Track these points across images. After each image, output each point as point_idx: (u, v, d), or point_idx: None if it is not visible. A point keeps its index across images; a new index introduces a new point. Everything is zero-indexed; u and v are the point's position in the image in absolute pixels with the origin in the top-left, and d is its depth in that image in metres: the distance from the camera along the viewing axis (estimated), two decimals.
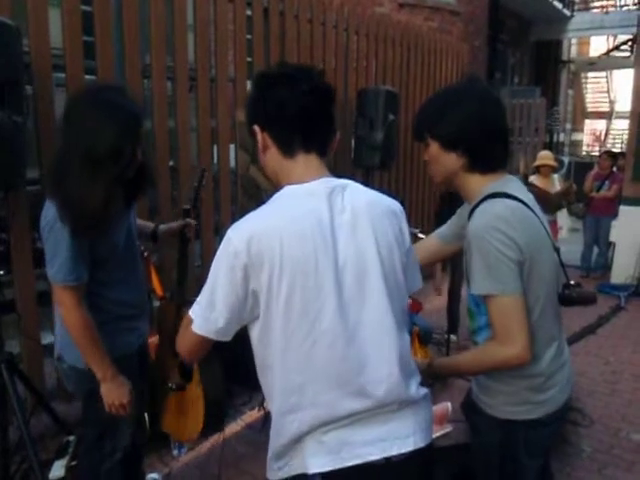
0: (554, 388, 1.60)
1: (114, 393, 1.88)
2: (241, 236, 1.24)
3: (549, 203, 5.75)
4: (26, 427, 2.43)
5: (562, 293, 1.64)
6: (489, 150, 1.56)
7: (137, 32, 3.29)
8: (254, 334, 1.34)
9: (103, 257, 1.84)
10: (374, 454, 1.28)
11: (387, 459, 1.29)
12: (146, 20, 3.35)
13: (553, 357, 1.59)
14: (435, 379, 1.74)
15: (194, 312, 1.32)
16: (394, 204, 1.41)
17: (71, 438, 2.82)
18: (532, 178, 5.85)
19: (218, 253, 1.27)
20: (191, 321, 1.32)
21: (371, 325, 1.30)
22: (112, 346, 1.90)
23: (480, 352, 1.61)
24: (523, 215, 1.51)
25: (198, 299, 1.31)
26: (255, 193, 4.21)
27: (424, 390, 1.40)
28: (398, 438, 1.31)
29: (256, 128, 1.33)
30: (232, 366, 3.70)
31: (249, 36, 4.09)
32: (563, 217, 7.06)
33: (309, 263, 1.23)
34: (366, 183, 5.26)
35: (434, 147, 1.59)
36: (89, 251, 1.78)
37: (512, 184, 1.58)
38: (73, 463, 2.72)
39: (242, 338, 3.55)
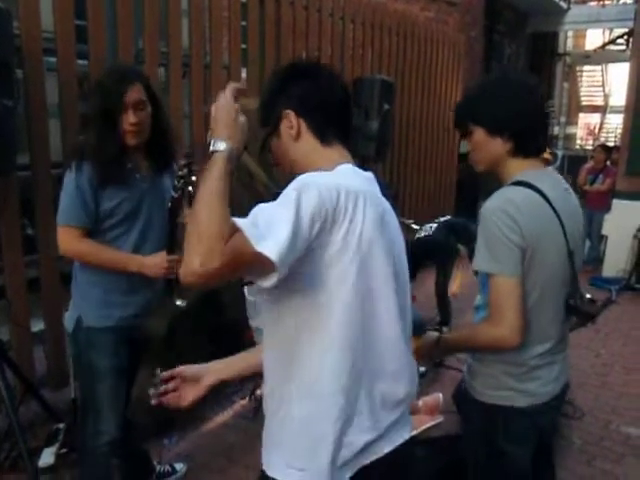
0: (536, 381, 1.62)
1: (154, 269, 2.05)
2: (326, 182, 1.15)
3: None
4: (15, 415, 2.42)
5: (567, 300, 1.65)
6: (533, 134, 1.61)
7: (130, 16, 3.24)
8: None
9: (107, 211, 2.03)
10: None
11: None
12: (139, 4, 3.30)
13: (542, 354, 1.61)
14: (441, 355, 1.78)
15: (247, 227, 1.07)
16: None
17: (61, 426, 2.82)
18: None
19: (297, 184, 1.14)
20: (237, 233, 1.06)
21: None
22: (92, 313, 2.07)
23: (474, 329, 1.66)
24: (537, 206, 1.53)
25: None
26: (248, 181, 4.18)
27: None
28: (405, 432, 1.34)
29: (289, 112, 1.32)
30: (224, 354, 3.70)
31: (244, 23, 4.05)
32: None
33: (377, 233, 1.21)
34: None
35: (479, 133, 1.62)
36: (95, 202, 2.01)
37: (545, 177, 1.62)
38: (63, 450, 2.71)
39: (234, 328, 3.51)
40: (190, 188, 1.94)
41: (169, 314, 2.03)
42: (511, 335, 1.49)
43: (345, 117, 1.40)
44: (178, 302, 2.04)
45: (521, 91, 1.62)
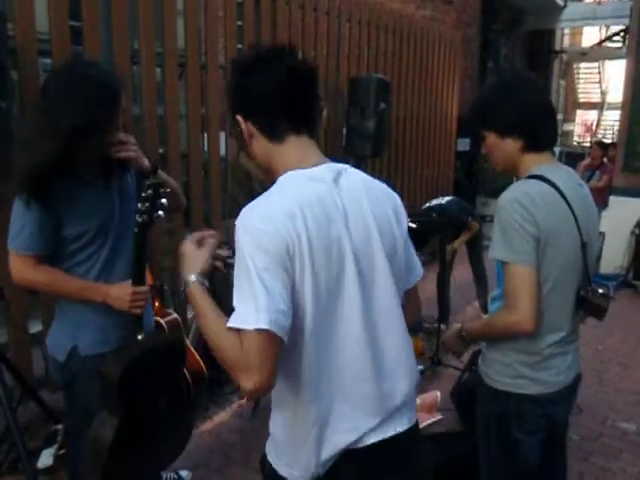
0: (550, 370, 1.69)
1: (118, 302, 1.81)
2: (260, 217, 1.18)
3: None
4: (13, 416, 2.42)
5: (578, 292, 1.71)
6: (541, 129, 1.69)
7: (126, 17, 3.24)
8: None
9: (73, 236, 1.78)
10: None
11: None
12: (134, 5, 3.30)
13: (555, 343, 1.68)
14: (465, 346, 1.86)
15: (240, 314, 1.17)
16: (386, 187, 1.40)
17: (59, 427, 2.82)
18: None
19: (240, 243, 1.19)
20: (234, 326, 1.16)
21: (383, 313, 1.31)
22: (88, 340, 1.87)
23: (491, 318, 1.78)
24: (550, 199, 1.60)
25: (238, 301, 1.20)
26: (245, 181, 4.19)
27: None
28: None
29: (239, 118, 1.30)
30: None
31: (240, 22, 4.05)
32: None
33: (331, 248, 1.21)
34: None
35: (491, 138, 1.73)
36: (56, 227, 1.75)
37: (558, 171, 1.69)
38: (61, 452, 2.72)
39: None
40: (160, 212, 1.71)
41: (127, 357, 1.81)
42: (525, 321, 1.56)
43: (297, 104, 1.28)
44: (139, 337, 1.85)
45: (522, 90, 1.71)
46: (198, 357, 3.21)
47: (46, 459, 2.68)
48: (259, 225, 1.17)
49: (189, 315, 3.80)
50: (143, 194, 1.68)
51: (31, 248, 1.75)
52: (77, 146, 1.67)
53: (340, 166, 1.32)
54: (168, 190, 1.76)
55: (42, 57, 2.89)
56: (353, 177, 1.32)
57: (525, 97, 1.69)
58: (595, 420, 3.38)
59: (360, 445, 1.29)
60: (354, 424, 1.28)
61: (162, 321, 2.83)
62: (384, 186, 1.40)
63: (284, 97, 1.26)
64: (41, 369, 3.10)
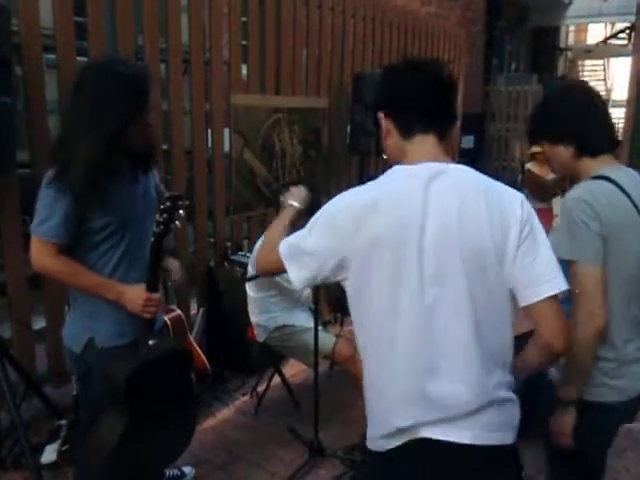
0: (627, 377, 1.67)
1: (131, 304, 1.85)
2: (348, 201, 1.39)
3: (545, 190, 5.73)
4: (17, 412, 2.43)
5: None
6: (589, 135, 1.71)
7: (130, 13, 3.23)
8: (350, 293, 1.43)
9: (97, 227, 1.82)
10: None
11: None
12: (139, 1, 3.29)
13: (632, 350, 1.67)
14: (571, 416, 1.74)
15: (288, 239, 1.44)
16: (507, 192, 1.40)
17: (63, 422, 2.82)
18: (528, 165, 5.83)
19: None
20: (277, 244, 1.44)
21: (446, 315, 1.32)
22: (104, 332, 1.89)
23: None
24: (614, 198, 1.62)
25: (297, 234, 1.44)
26: (249, 178, 4.18)
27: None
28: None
29: (380, 115, 1.47)
30: (226, 351, 3.71)
31: (244, 18, 4.04)
32: (557, 204, 7.04)
33: (398, 239, 1.31)
34: (361, 169, 5.21)
35: (545, 146, 1.81)
36: (82, 219, 1.79)
37: (621, 172, 1.70)
38: (65, 447, 2.72)
39: (235, 323, 3.49)
40: (177, 223, 1.80)
41: (136, 362, 1.84)
42: (593, 315, 1.55)
43: (432, 109, 1.42)
44: (150, 342, 1.88)
45: (567, 98, 1.78)
46: (202, 353, 3.20)
47: (50, 455, 2.69)
48: (337, 204, 1.40)
49: (192, 311, 3.81)
50: (162, 206, 1.77)
51: (55, 236, 1.78)
52: (118, 142, 1.77)
53: (444, 166, 1.38)
54: (187, 202, 1.86)
55: (46, 53, 2.89)
56: (453, 179, 1.37)
57: (569, 104, 1.74)
58: None
59: (416, 436, 1.34)
60: (404, 412, 1.35)
61: (166, 318, 2.83)
62: (499, 191, 1.39)
63: (422, 100, 1.42)
64: (44, 365, 3.11)
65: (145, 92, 1.81)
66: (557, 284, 1.32)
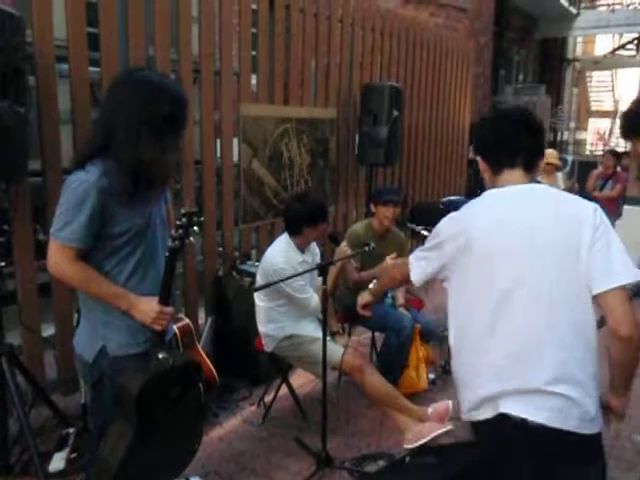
0: None
1: (142, 315, 1.85)
2: (456, 219, 1.75)
3: None
4: (26, 419, 2.43)
5: None
6: None
7: (141, 24, 3.27)
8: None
9: (117, 233, 1.83)
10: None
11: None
12: (150, 12, 3.33)
13: None
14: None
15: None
16: (579, 203, 1.68)
17: (71, 430, 2.83)
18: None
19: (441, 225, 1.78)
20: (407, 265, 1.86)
21: (526, 301, 1.60)
22: (117, 341, 1.89)
23: None
24: None
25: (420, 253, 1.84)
26: (258, 187, 4.20)
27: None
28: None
29: (478, 158, 1.83)
30: (233, 361, 3.70)
31: (254, 30, 4.07)
32: None
33: (504, 249, 1.62)
34: (370, 179, 5.21)
35: (635, 143, 1.90)
36: (105, 222, 1.80)
37: None
38: (73, 455, 2.72)
39: (243, 332, 3.48)
40: (191, 239, 1.82)
41: (148, 372, 1.85)
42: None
43: (517, 149, 1.73)
44: (160, 355, 1.88)
45: None
46: (210, 363, 3.21)
47: (58, 462, 2.69)
48: (447, 219, 1.77)
49: (200, 320, 3.81)
50: (177, 222, 1.79)
51: (76, 241, 1.77)
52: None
53: (531, 185, 1.72)
54: (202, 219, 1.90)
55: (59, 63, 2.92)
56: (541, 191, 1.71)
57: None
58: (608, 432, 3.33)
59: (501, 409, 1.58)
60: (486, 382, 1.64)
61: (175, 327, 2.83)
62: (575, 202, 1.69)
63: (509, 144, 1.74)
64: (54, 372, 3.12)
65: (185, 103, 1.89)
66: (623, 278, 1.56)
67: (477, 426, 1.70)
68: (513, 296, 1.59)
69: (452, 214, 1.77)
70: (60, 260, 1.79)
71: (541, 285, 1.58)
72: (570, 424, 1.54)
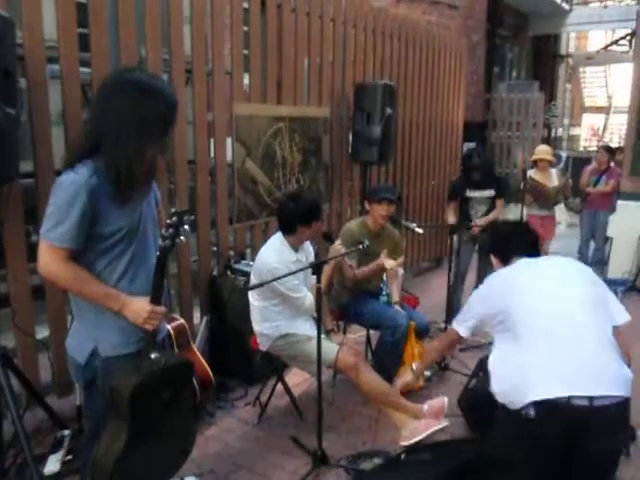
0: None
1: (134, 315, 1.85)
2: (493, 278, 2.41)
3: (547, 198, 5.73)
4: (20, 422, 2.42)
5: None
6: None
7: (132, 24, 3.26)
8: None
9: (107, 233, 1.83)
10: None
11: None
12: (141, 12, 3.32)
13: None
14: None
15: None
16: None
17: (66, 432, 2.82)
18: (530, 172, 5.83)
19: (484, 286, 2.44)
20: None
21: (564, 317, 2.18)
22: (109, 342, 1.89)
23: None
24: None
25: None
26: (252, 187, 4.19)
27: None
28: None
29: (492, 257, 2.55)
30: (228, 360, 3.70)
31: (246, 29, 4.06)
32: (561, 212, 7.03)
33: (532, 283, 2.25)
34: (364, 178, 5.19)
35: None
36: (95, 222, 1.79)
37: None
38: (68, 458, 2.72)
39: (238, 332, 3.48)
40: (182, 238, 1.81)
41: (140, 373, 1.84)
42: None
43: (519, 250, 2.42)
44: (153, 355, 1.87)
45: None
46: (205, 363, 3.20)
47: (53, 465, 2.68)
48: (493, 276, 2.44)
49: (195, 320, 3.81)
50: (168, 221, 1.78)
51: (66, 241, 1.76)
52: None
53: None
54: (192, 217, 1.85)
55: (50, 64, 2.91)
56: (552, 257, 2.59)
57: None
58: None
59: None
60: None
61: (169, 326, 2.83)
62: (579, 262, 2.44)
63: (515, 245, 2.46)
64: (48, 375, 3.11)
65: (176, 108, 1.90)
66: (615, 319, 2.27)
67: None
68: None
69: None
70: (50, 261, 1.78)
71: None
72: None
